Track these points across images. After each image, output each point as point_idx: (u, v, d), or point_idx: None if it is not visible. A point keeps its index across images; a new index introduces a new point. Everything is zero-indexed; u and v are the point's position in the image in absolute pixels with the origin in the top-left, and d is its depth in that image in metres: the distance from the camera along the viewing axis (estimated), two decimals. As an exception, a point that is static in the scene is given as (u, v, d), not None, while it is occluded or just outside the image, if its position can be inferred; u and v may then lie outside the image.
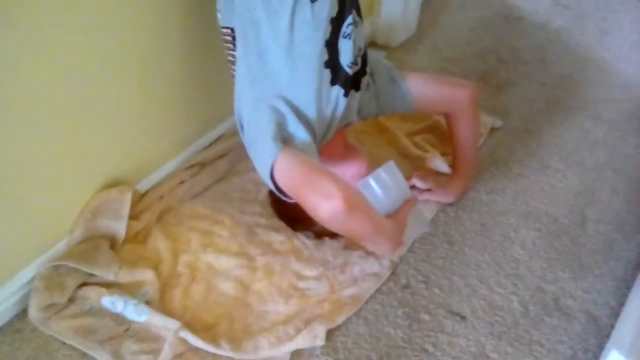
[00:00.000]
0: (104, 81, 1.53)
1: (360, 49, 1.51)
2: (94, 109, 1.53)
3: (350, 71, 1.48)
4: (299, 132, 1.40)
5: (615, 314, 1.59)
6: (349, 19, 1.45)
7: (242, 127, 1.52)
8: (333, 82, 1.47)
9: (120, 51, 1.54)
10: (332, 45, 1.44)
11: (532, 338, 1.54)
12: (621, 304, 1.62)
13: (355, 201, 1.29)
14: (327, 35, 1.42)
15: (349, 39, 1.45)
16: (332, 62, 1.45)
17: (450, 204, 1.89)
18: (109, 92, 1.56)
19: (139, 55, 1.60)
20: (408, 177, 1.90)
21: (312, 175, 1.31)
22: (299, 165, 1.33)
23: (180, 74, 1.76)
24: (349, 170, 1.64)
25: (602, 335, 1.55)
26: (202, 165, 1.93)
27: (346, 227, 1.33)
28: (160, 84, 1.71)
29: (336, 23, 1.43)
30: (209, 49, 1.80)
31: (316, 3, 1.38)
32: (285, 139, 1.38)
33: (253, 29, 1.42)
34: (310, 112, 1.45)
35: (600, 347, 1.51)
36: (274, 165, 1.33)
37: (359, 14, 1.51)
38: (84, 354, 1.44)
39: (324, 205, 1.25)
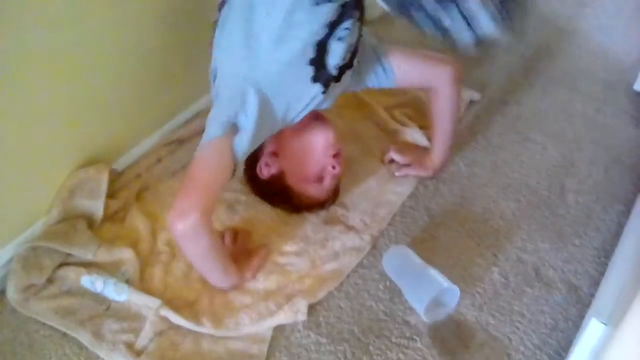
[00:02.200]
0: (78, 59, 1.51)
1: (351, 46, 1.50)
2: (69, 87, 1.51)
3: (335, 72, 1.48)
4: (245, 132, 1.40)
5: (596, 283, 1.60)
6: (347, 24, 1.43)
7: (214, 79, 1.53)
8: (315, 80, 1.46)
9: (94, 29, 1.51)
10: (322, 45, 1.43)
11: (513, 309, 1.55)
12: (601, 274, 1.63)
13: (197, 234, 1.34)
14: (320, 37, 1.41)
15: (343, 42, 1.44)
16: (318, 61, 1.44)
17: (430, 178, 1.88)
18: (84, 70, 1.53)
19: (114, 33, 1.57)
20: (386, 150, 1.90)
21: (201, 186, 1.37)
22: (207, 167, 1.40)
23: (156, 51, 1.74)
24: (317, 140, 1.63)
25: (583, 305, 1.56)
26: (180, 142, 1.91)
27: (181, 246, 1.43)
28: (135, 62, 1.69)
29: (332, 26, 1.41)
30: (185, 24, 1.78)
31: (317, 7, 1.37)
32: (231, 127, 1.39)
33: (247, 11, 1.41)
34: (279, 105, 1.46)
35: (581, 316, 1.52)
36: (205, 142, 1.40)
37: (361, 18, 1.49)
38: (64, 334, 1.43)
39: (175, 217, 1.32)
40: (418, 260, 1.56)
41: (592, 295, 1.57)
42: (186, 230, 1.32)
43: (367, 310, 1.53)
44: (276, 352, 1.43)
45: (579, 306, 1.56)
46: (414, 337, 1.47)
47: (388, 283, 1.58)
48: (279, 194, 1.66)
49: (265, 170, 1.63)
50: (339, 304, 1.54)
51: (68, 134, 1.58)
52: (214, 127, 1.40)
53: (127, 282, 1.53)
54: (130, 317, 1.47)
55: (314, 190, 1.65)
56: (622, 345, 0.89)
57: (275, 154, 1.62)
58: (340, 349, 1.44)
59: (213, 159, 1.40)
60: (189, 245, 1.40)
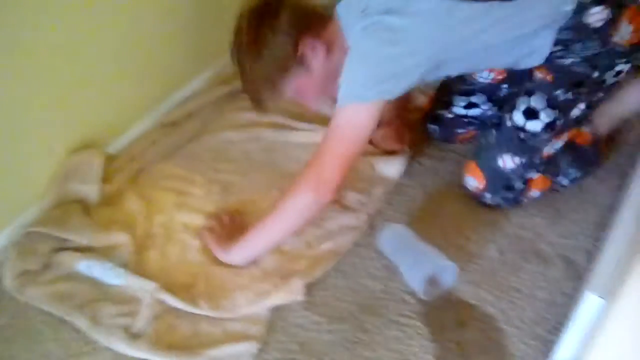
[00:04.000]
0: (70, 43, 1.50)
1: None
2: (61, 71, 1.50)
3: None
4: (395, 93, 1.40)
5: (592, 257, 1.60)
6: None
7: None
8: None
9: (87, 11, 1.50)
10: None
11: (510, 285, 1.54)
12: (598, 248, 1.62)
13: (318, 210, 1.46)
14: None
15: None
16: None
17: (428, 156, 1.88)
18: (76, 54, 1.52)
19: (107, 16, 1.56)
20: None
21: (343, 163, 1.40)
22: (350, 137, 1.40)
23: (147, 32, 1.73)
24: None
25: (580, 279, 1.55)
26: (174, 125, 1.91)
27: (291, 214, 1.47)
28: (127, 43, 1.67)
29: None
30: (176, 4, 1.76)
31: None
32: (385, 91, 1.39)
33: None
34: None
35: (578, 291, 1.52)
36: (351, 104, 1.38)
37: None
38: (62, 320, 1.43)
39: (308, 189, 1.40)
40: (414, 238, 1.56)
41: (589, 270, 1.57)
42: (311, 206, 1.41)
43: (364, 289, 1.53)
44: (274, 332, 1.43)
45: (575, 281, 1.56)
46: (411, 314, 1.47)
47: (385, 262, 1.58)
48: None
49: None
50: (336, 283, 1.54)
51: (61, 118, 1.57)
52: (361, 88, 1.37)
53: (124, 266, 1.53)
54: (127, 301, 1.47)
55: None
56: (618, 318, 0.89)
57: None
58: (338, 328, 1.44)
59: (357, 128, 1.40)
60: (300, 217, 1.48)
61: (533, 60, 1.51)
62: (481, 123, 1.81)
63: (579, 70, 1.50)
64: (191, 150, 1.87)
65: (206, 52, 2.03)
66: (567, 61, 1.49)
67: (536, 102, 1.55)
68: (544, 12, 1.42)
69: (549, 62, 1.51)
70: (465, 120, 1.82)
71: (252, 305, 1.45)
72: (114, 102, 1.72)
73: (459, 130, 1.85)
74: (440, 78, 1.78)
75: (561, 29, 1.44)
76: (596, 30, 1.44)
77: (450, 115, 1.82)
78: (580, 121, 1.63)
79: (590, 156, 1.76)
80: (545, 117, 1.55)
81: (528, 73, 1.57)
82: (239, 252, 1.54)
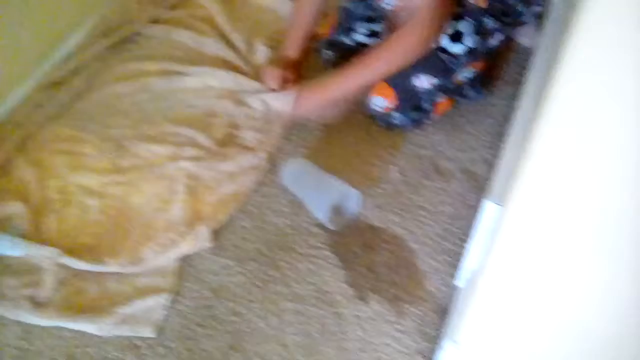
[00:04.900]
0: None
1: None
2: None
3: None
4: None
5: (492, 168, 1.63)
6: None
7: None
8: None
9: None
10: None
11: (415, 203, 1.57)
12: (496, 158, 1.66)
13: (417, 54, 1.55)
14: None
15: None
16: None
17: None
18: None
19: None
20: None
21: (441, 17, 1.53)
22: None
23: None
24: None
25: (481, 190, 1.59)
26: (58, 84, 1.82)
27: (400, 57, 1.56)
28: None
29: None
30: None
31: None
32: None
33: None
34: None
35: (481, 202, 1.55)
36: None
37: None
38: (-38, 299, 1.38)
39: (417, 44, 1.54)
40: (316, 169, 1.56)
41: (489, 180, 1.60)
42: (416, 48, 1.54)
43: (272, 227, 1.52)
44: (185, 282, 1.42)
45: (477, 192, 1.59)
46: (321, 245, 1.48)
47: (290, 197, 1.58)
48: None
49: None
50: (243, 225, 1.52)
51: None
52: None
53: (22, 236, 1.47)
54: (29, 271, 1.42)
55: None
56: (508, 222, 0.90)
57: None
58: (249, 269, 1.44)
59: None
60: (404, 57, 1.56)
61: None
62: None
63: (511, 1, 1.59)
64: (80, 109, 1.79)
65: (83, 4, 1.94)
66: None
67: (464, 26, 1.59)
68: None
69: None
70: (364, 50, 1.80)
71: (159, 257, 1.43)
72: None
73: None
74: None
75: None
76: None
77: (349, 43, 1.80)
78: (493, 52, 1.70)
79: (491, 79, 1.84)
80: (469, 41, 1.59)
81: None
82: (330, 91, 1.64)
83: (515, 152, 1.43)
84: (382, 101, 1.65)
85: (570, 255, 0.87)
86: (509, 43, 1.85)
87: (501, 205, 1.23)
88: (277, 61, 1.84)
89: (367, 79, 1.62)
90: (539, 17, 1.72)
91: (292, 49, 1.83)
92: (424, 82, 1.62)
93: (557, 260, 0.89)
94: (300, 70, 1.84)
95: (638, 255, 0.81)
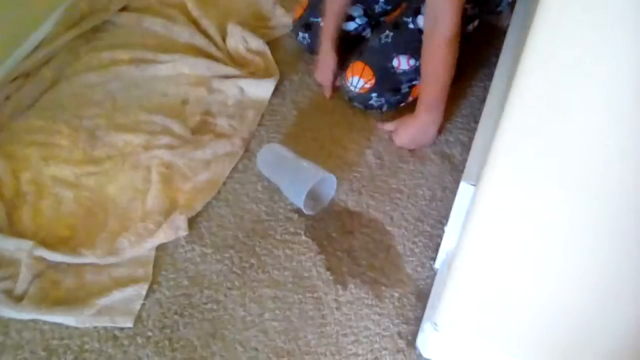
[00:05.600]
0: None
1: None
2: None
3: None
4: None
5: (467, 149, 1.63)
6: None
7: None
8: None
9: None
10: None
11: (391, 187, 1.57)
12: (471, 139, 1.66)
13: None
14: None
15: None
16: None
17: (296, 71, 1.85)
18: None
19: None
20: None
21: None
22: None
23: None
24: None
25: (457, 172, 1.60)
26: (26, 75, 1.80)
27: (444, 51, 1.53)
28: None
29: None
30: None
31: None
32: None
33: None
34: None
35: (457, 184, 1.56)
36: None
37: None
38: (-64, 295, 1.36)
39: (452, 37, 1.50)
40: (291, 155, 1.55)
41: (465, 161, 1.60)
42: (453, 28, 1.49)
43: (249, 214, 1.52)
44: (162, 271, 1.41)
45: (453, 174, 1.60)
46: (298, 231, 1.48)
47: (266, 183, 1.57)
48: None
49: None
50: (219, 212, 1.52)
51: None
52: None
53: (-4, 229, 1.45)
54: (5, 265, 1.41)
55: None
56: (481, 201, 0.91)
57: None
58: (227, 256, 1.43)
59: None
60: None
61: None
62: (347, 43, 1.79)
63: None
64: (51, 100, 1.77)
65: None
66: None
67: None
68: None
69: None
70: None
71: (136, 247, 1.42)
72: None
73: None
74: None
75: None
76: None
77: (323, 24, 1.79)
78: (468, 37, 1.71)
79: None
80: None
81: None
82: (437, 109, 1.62)
83: (488, 133, 1.44)
84: (359, 81, 1.64)
85: (543, 233, 0.88)
86: (483, 27, 1.85)
87: (475, 186, 1.24)
88: (325, 52, 1.79)
89: (446, 84, 1.59)
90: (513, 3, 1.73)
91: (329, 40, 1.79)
92: (403, 63, 1.62)
93: (530, 238, 0.90)
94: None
95: (611, 230, 0.82)
